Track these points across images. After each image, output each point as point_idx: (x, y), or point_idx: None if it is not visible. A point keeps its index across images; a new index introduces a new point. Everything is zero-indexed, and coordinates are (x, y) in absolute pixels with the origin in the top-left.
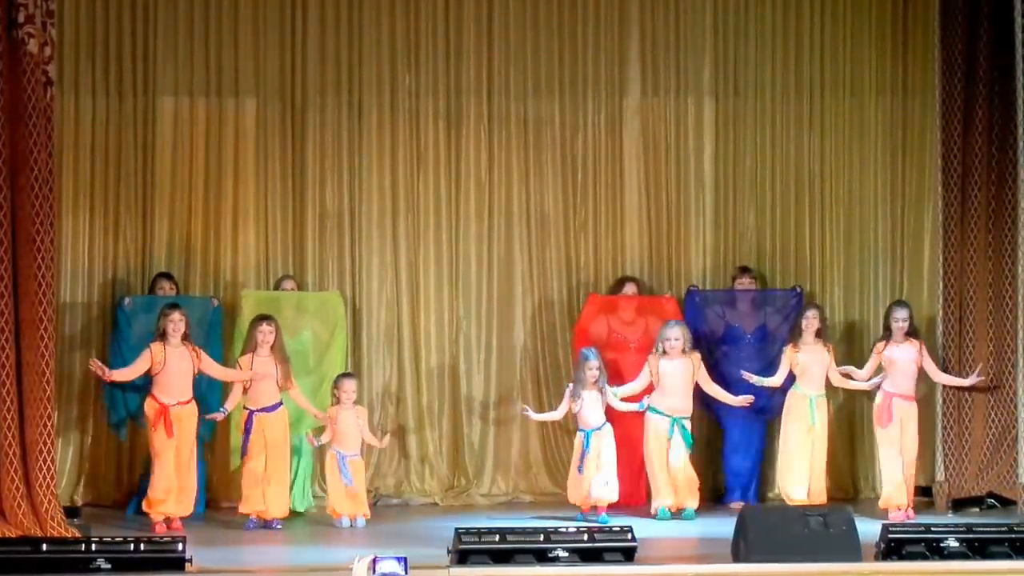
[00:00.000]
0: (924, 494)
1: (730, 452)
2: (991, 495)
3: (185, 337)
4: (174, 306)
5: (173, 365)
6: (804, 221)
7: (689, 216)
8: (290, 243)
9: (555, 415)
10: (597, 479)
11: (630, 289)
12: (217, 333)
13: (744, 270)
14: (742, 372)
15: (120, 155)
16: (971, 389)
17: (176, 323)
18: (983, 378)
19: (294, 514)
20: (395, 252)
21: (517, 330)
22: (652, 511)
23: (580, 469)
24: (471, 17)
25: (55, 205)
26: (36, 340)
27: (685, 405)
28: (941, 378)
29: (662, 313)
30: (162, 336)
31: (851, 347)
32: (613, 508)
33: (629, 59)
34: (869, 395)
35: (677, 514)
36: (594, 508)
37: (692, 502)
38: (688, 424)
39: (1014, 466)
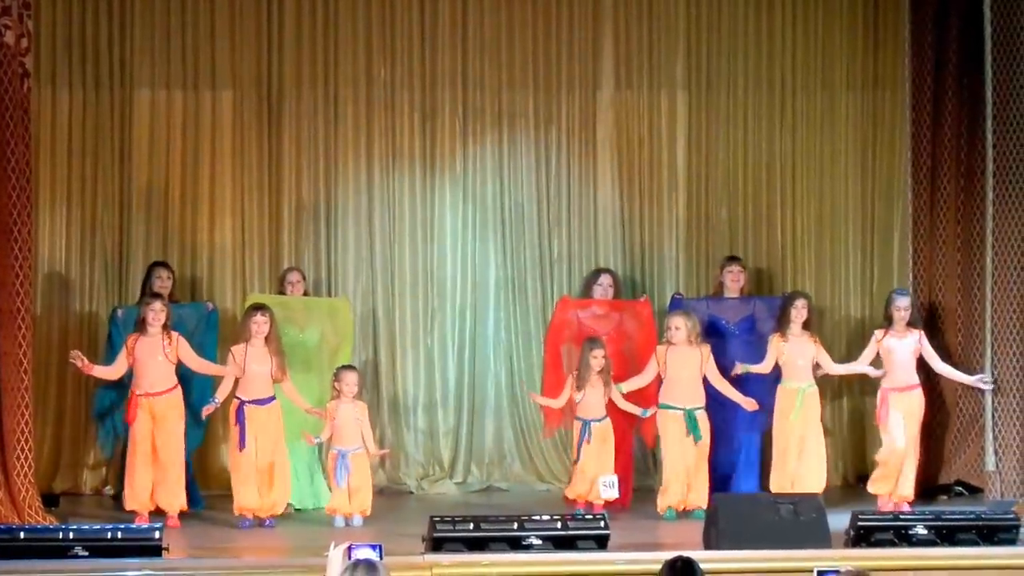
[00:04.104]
0: None
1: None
2: (959, 483)
3: (165, 327)
4: (156, 296)
5: (145, 353)
6: (776, 213)
7: (662, 209)
8: (266, 234)
9: (556, 403)
10: (601, 478)
11: (605, 280)
12: (213, 337)
13: (732, 259)
14: (735, 365)
15: (97, 147)
16: (974, 388)
17: (156, 312)
18: (988, 384)
19: (296, 510)
20: (370, 243)
21: (491, 321)
22: (659, 510)
23: (578, 459)
24: (446, 11)
25: (32, 196)
26: (14, 330)
27: (696, 395)
28: (943, 369)
29: (637, 316)
30: (141, 325)
31: (821, 338)
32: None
33: (603, 53)
34: (873, 387)
35: (685, 514)
36: (589, 504)
37: (702, 501)
38: (701, 416)
39: (981, 454)
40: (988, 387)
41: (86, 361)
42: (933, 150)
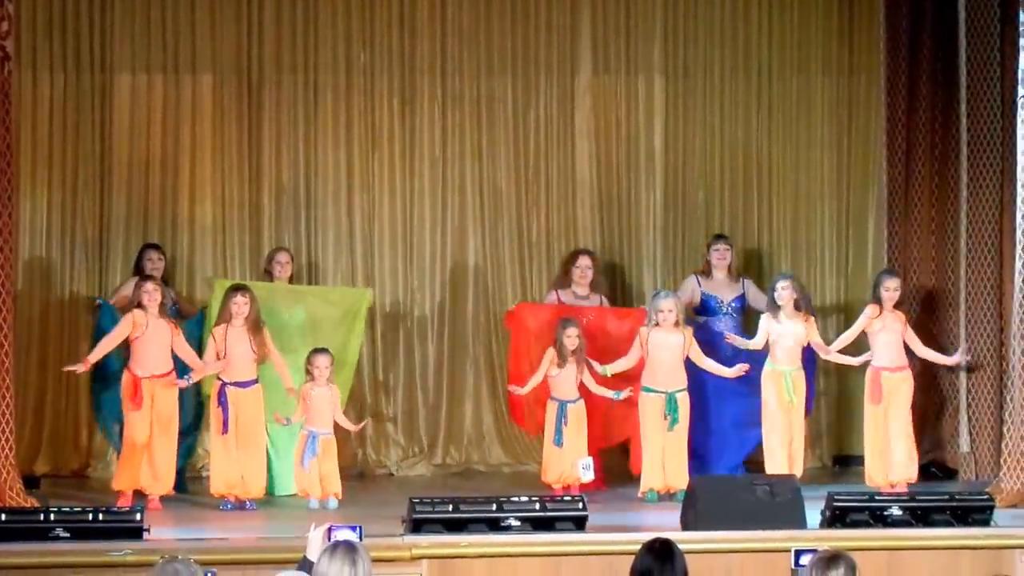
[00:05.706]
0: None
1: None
2: (933, 464)
3: (162, 308)
4: (148, 277)
5: (152, 333)
6: (752, 197)
7: (640, 193)
8: (247, 219)
9: (535, 379)
10: (579, 460)
11: (583, 262)
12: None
13: (719, 237)
14: (725, 334)
15: (78, 131)
16: (952, 369)
17: (151, 294)
18: (968, 358)
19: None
20: (350, 228)
21: (470, 304)
22: (640, 493)
23: (558, 441)
24: None
25: (13, 180)
26: None
27: (678, 378)
28: (925, 353)
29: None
30: (139, 307)
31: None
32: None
33: (580, 38)
34: (860, 369)
35: (667, 496)
36: (568, 488)
37: (683, 483)
38: (682, 397)
39: (956, 436)
40: (963, 362)
41: (81, 363)
42: (908, 134)
